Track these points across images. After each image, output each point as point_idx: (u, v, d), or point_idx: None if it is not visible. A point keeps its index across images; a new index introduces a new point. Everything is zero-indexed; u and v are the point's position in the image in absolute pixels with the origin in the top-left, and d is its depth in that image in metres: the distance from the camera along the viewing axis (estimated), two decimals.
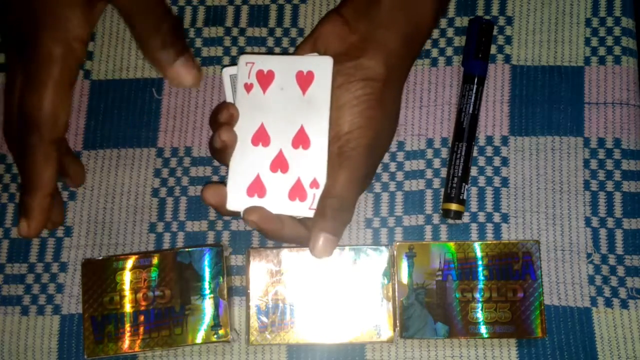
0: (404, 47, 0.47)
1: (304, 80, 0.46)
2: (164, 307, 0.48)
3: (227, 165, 0.47)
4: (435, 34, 0.54)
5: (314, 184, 0.45)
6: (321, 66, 0.46)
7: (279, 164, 0.46)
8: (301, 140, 0.46)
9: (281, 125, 0.46)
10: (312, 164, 0.45)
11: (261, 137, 0.46)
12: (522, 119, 0.53)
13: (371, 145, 0.46)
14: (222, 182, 0.51)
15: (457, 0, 0.54)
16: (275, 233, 0.45)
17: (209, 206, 0.49)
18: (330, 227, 0.45)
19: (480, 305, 0.48)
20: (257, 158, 0.46)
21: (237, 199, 0.46)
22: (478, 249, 0.49)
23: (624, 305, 0.49)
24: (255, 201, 0.46)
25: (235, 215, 0.47)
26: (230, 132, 0.46)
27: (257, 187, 0.46)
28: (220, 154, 0.47)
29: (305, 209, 0.45)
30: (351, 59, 0.46)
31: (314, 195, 0.45)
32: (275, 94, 0.47)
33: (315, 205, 0.45)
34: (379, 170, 0.52)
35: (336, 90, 0.46)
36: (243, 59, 0.47)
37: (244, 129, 0.47)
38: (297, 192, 0.45)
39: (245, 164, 0.46)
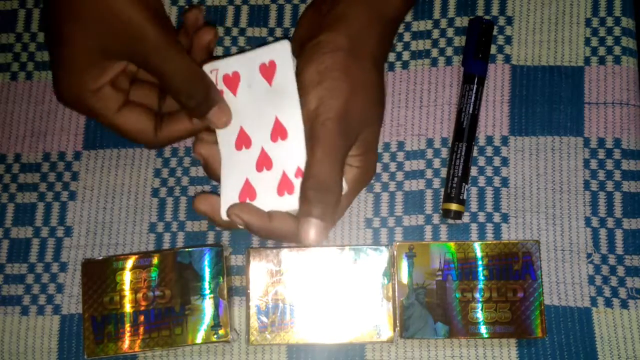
0: (368, 17, 0.46)
1: (268, 71, 0.45)
2: (164, 307, 0.48)
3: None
4: (436, 34, 0.54)
5: (299, 172, 0.44)
6: (280, 52, 0.45)
7: (263, 162, 0.45)
8: (278, 132, 0.45)
9: (258, 123, 0.45)
10: (293, 153, 0.44)
11: (243, 141, 0.46)
12: (522, 119, 0.53)
13: (341, 117, 0.43)
14: (215, 192, 0.51)
15: (457, 0, 0.54)
16: (264, 228, 0.44)
17: (203, 215, 0.48)
18: (315, 211, 0.42)
19: (480, 305, 0.48)
20: (243, 162, 0.45)
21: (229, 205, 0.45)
22: (478, 249, 0.49)
23: (624, 305, 0.49)
24: None
25: (231, 227, 0.47)
26: (203, 145, 0.47)
27: (247, 192, 0.45)
28: (207, 169, 0.48)
29: (295, 201, 0.44)
30: (314, 38, 0.45)
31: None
32: (245, 93, 0.46)
33: None
34: (379, 170, 0.52)
35: (301, 71, 0.45)
36: (207, 67, 0.46)
37: (226, 138, 0.46)
38: (284, 186, 0.44)
39: (234, 172, 0.46)
